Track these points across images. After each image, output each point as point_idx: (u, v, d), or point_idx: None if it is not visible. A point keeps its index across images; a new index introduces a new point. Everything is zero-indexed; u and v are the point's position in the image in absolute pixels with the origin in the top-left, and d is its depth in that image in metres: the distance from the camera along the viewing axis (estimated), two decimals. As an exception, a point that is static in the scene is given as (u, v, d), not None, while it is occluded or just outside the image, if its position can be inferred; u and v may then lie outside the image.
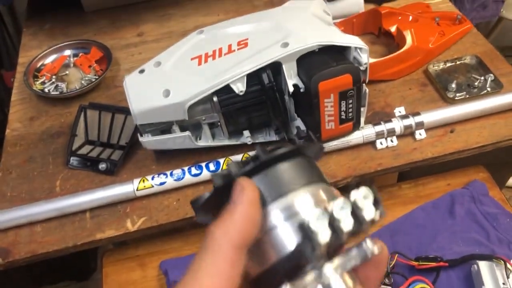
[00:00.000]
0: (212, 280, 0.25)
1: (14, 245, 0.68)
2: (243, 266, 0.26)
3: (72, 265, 1.43)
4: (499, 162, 0.89)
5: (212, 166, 0.71)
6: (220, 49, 0.69)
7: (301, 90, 0.65)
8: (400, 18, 0.87)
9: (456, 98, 0.78)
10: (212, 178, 0.29)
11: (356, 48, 0.66)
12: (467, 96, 0.78)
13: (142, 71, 0.70)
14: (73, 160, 0.76)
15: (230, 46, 0.69)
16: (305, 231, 0.26)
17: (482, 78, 0.80)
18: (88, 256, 1.48)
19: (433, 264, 0.70)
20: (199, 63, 0.68)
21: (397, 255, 0.70)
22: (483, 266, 0.67)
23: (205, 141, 0.73)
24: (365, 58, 0.67)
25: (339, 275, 0.27)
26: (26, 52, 0.99)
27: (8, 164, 0.79)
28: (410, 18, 0.87)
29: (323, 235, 0.26)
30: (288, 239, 0.27)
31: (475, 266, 0.68)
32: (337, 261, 0.27)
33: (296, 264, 0.26)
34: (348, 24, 0.90)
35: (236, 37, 0.70)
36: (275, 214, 0.28)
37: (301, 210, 0.28)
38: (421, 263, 0.70)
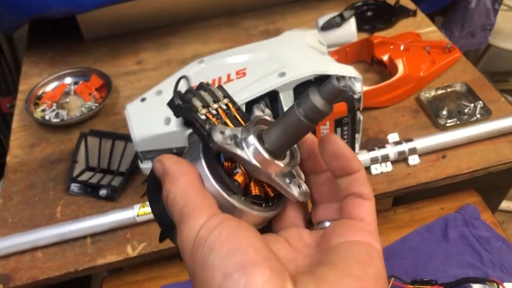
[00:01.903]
0: (193, 204, 0.29)
1: (15, 271, 0.69)
2: (207, 194, 0.31)
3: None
4: (490, 186, 0.91)
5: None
6: (220, 78, 0.71)
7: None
8: (392, 47, 0.91)
9: (447, 125, 0.81)
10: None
11: (350, 77, 0.69)
12: (458, 122, 0.81)
13: (143, 100, 0.72)
14: (74, 186, 0.77)
15: (229, 75, 0.71)
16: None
17: (472, 105, 0.83)
18: (80, 286, 1.48)
19: (428, 287, 0.71)
20: (199, 92, 0.70)
21: (393, 279, 0.71)
22: (477, 289, 0.69)
23: (204, 167, 0.74)
24: (359, 87, 0.69)
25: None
26: (27, 79, 1.01)
27: (9, 190, 0.80)
28: (402, 47, 0.90)
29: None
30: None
31: (470, 289, 0.69)
32: None
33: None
34: (342, 53, 0.94)
35: (235, 66, 0.73)
36: None
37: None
38: (417, 286, 0.71)
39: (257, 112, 0.34)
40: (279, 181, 0.32)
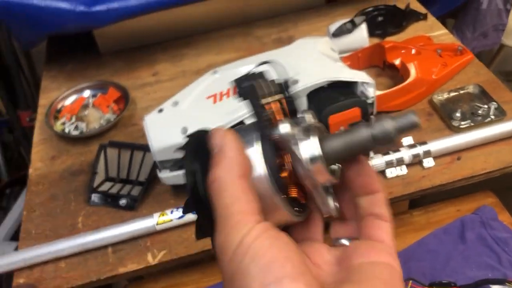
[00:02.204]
0: (239, 206, 0.29)
1: (40, 281, 0.71)
2: (253, 191, 0.30)
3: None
4: (507, 187, 0.91)
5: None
6: (234, 88, 0.72)
7: (312, 124, 0.68)
8: (403, 51, 0.91)
9: (461, 127, 0.81)
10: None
11: (363, 82, 0.70)
12: (472, 124, 0.81)
13: (161, 111, 0.73)
14: (94, 197, 0.79)
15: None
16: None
17: (486, 106, 0.83)
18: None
19: (447, 289, 0.71)
20: (214, 101, 0.72)
21: (411, 281, 0.72)
22: (497, 290, 0.69)
23: (221, 175, 0.76)
24: (371, 92, 0.70)
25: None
26: (46, 94, 1.03)
27: (32, 202, 0.82)
28: (413, 51, 0.91)
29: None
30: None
31: (489, 290, 0.69)
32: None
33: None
34: (353, 58, 0.94)
35: (248, 75, 0.74)
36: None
37: None
38: (435, 288, 0.72)
39: (307, 118, 0.34)
40: (321, 192, 0.33)
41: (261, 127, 0.32)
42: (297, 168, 0.31)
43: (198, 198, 0.32)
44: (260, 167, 0.31)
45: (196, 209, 0.33)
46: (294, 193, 0.33)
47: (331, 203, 0.34)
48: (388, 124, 0.30)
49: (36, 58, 1.73)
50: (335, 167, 0.34)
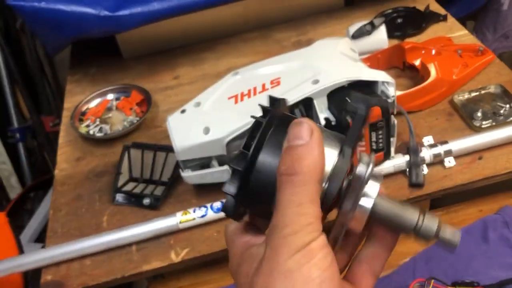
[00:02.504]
0: (311, 208, 0.30)
1: (66, 278, 0.72)
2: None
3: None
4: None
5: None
6: (255, 88, 0.74)
7: (332, 123, 0.69)
8: (423, 52, 0.91)
9: (483, 126, 0.81)
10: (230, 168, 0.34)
11: (383, 82, 0.71)
12: (493, 124, 0.81)
13: (183, 111, 0.75)
14: (119, 197, 0.81)
15: (263, 85, 0.74)
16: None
17: (508, 106, 0.83)
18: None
19: (470, 289, 0.71)
20: (236, 102, 0.73)
21: (433, 280, 0.71)
22: (520, 289, 0.68)
23: (242, 175, 0.77)
24: (392, 91, 0.70)
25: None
26: (71, 97, 1.06)
27: (58, 202, 0.84)
28: (433, 51, 0.91)
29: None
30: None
31: (512, 290, 0.69)
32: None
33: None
34: (373, 59, 0.95)
35: (269, 76, 0.75)
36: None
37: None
38: (457, 288, 0.71)
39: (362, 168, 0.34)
40: (339, 232, 0.35)
41: (346, 149, 0.33)
42: (345, 204, 0.33)
43: (246, 180, 0.33)
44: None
45: (240, 195, 0.33)
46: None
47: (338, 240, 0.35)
48: (434, 229, 0.33)
49: (59, 66, 1.77)
50: None
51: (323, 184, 0.32)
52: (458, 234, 0.33)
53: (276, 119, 0.34)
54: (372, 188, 0.34)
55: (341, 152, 0.33)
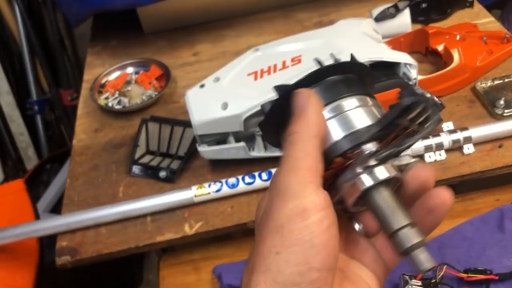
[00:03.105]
0: (305, 161, 0.31)
1: (81, 245, 0.74)
2: (322, 156, 0.33)
3: (118, 277, 1.49)
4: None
5: (264, 176, 0.75)
6: (275, 65, 0.73)
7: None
8: (447, 37, 0.90)
9: (505, 115, 0.80)
10: (273, 89, 0.37)
11: (405, 64, 0.70)
12: (516, 112, 0.80)
13: (202, 86, 0.75)
14: (135, 168, 0.82)
15: (284, 62, 0.73)
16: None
17: (531, 95, 0.81)
18: (135, 268, 1.54)
19: (483, 276, 0.70)
20: (255, 78, 0.73)
21: (445, 266, 0.71)
22: (534, 279, 0.67)
23: (258, 152, 0.77)
24: (414, 74, 0.70)
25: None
26: (90, 69, 1.06)
27: (75, 171, 0.85)
28: (458, 37, 0.89)
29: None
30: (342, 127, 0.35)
31: (526, 279, 0.68)
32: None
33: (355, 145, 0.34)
34: (396, 43, 0.94)
35: (290, 54, 0.74)
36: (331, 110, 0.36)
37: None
38: (470, 275, 0.71)
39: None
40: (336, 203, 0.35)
41: (373, 126, 0.34)
42: (345, 176, 0.34)
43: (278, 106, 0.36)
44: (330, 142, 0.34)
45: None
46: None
47: None
48: (409, 244, 0.32)
49: (79, 40, 1.78)
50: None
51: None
52: (430, 262, 0.32)
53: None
54: (381, 173, 0.34)
55: (370, 126, 0.34)
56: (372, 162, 0.33)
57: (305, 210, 0.30)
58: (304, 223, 0.30)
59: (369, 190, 0.34)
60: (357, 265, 0.36)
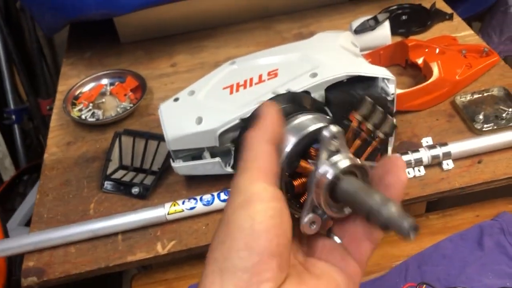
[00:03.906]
0: (255, 161, 0.33)
1: (49, 265, 0.71)
2: (277, 159, 0.35)
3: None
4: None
5: (241, 192, 0.73)
6: (251, 79, 0.71)
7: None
8: (427, 50, 0.89)
9: (484, 129, 0.79)
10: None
11: (383, 78, 0.68)
12: (495, 127, 0.79)
13: (176, 99, 0.73)
14: (107, 184, 0.79)
15: (260, 76, 0.72)
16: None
17: (510, 109, 0.80)
18: (113, 285, 1.50)
19: (462, 295, 0.69)
20: (231, 92, 0.71)
21: (425, 286, 0.69)
22: (514, 299, 0.66)
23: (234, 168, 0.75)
24: (392, 89, 0.68)
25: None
26: (65, 80, 1.04)
27: (45, 187, 0.82)
28: (437, 50, 0.89)
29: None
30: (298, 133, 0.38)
31: (506, 299, 0.67)
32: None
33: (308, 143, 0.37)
34: (375, 55, 0.93)
35: (267, 67, 0.73)
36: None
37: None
38: (449, 294, 0.69)
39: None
40: (307, 207, 0.36)
41: (321, 129, 0.36)
42: (310, 178, 0.36)
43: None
44: (286, 148, 0.36)
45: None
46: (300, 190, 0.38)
47: (306, 220, 0.36)
48: (391, 213, 0.31)
49: (59, 48, 1.75)
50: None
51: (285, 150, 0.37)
52: (413, 227, 0.30)
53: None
54: (343, 163, 0.34)
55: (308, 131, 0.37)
56: (335, 158, 0.35)
57: (249, 201, 0.32)
58: (247, 212, 0.31)
59: (335, 182, 0.34)
60: (324, 264, 0.36)
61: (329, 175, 0.34)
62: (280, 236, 0.31)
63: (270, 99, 0.41)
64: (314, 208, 0.36)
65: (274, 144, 0.35)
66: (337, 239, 0.38)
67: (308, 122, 0.39)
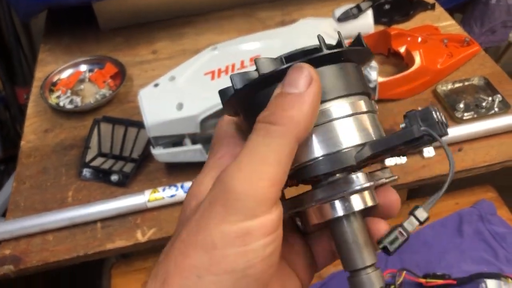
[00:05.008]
0: (272, 169, 0.25)
1: (26, 253, 0.69)
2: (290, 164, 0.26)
3: (76, 282, 1.43)
4: (509, 185, 0.89)
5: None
6: (233, 65, 0.70)
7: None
8: (409, 39, 0.89)
9: (464, 118, 0.79)
10: (256, 62, 0.28)
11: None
12: (475, 116, 0.79)
13: (156, 85, 0.71)
14: (86, 172, 0.77)
15: (242, 62, 0.71)
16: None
17: (490, 98, 0.81)
18: (93, 273, 1.48)
19: (441, 281, 0.70)
20: (212, 78, 0.70)
21: (405, 272, 0.70)
22: (491, 284, 0.67)
23: (215, 155, 0.74)
24: (374, 76, 0.68)
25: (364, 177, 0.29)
26: (43, 67, 1.01)
27: (22, 175, 0.80)
28: (419, 39, 0.89)
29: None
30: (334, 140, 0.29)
31: (483, 284, 0.68)
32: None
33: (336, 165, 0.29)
34: (357, 44, 0.92)
35: (248, 53, 0.72)
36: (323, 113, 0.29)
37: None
38: (428, 280, 0.70)
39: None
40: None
41: (366, 148, 0.29)
42: (315, 194, 0.30)
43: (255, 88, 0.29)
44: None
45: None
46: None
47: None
48: None
49: (36, 35, 1.71)
50: None
51: (308, 152, 0.28)
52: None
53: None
54: (357, 203, 0.30)
55: (360, 146, 0.29)
56: (350, 188, 0.29)
57: (248, 233, 0.24)
58: (243, 249, 0.24)
59: (339, 219, 0.30)
60: (287, 272, 0.32)
61: (339, 211, 0.29)
62: (270, 276, 0.26)
63: (266, 59, 0.29)
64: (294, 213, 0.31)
65: (298, 144, 0.26)
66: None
67: (341, 138, 0.29)
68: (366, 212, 0.31)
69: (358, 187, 0.28)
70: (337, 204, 0.29)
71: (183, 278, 0.25)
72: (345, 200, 0.29)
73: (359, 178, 0.29)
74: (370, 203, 0.30)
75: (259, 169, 0.25)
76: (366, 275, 0.29)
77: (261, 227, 0.25)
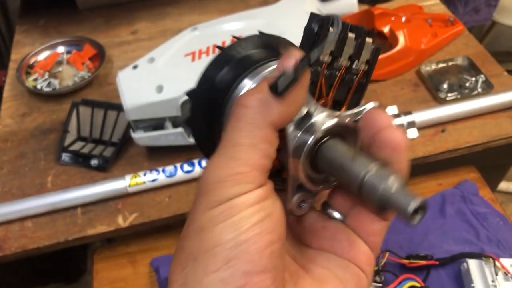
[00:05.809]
0: (246, 151, 0.25)
1: (4, 240, 0.68)
2: (275, 149, 0.26)
3: (61, 267, 1.42)
4: (490, 166, 0.90)
5: (205, 163, 0.71)
6: (214, 46, 0.69)
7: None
8: (393, 19, 0.88)
9: (448, 99, 0.79)
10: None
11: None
12: (458, 96, 0.79)
13: (135, 67, 0.70)
14: (65, 156, 0.76)
15: (224, 43, 0.69)
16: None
17: (473, 79, 0.81)
18: (77, 258, 1.47)
19: (424, 262, 0.70)
20: (193, 60, 0.69)
21: (388, 253, 0.70)
22: (473, 264, 0.68)
23: (197, 138, 0.73)
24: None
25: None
26: (19, 49, 0.98)
27: (-1, 160, 0.78)
28: (403, 19, 0.88)
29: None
30: None
31: (465, 264, 0.68)
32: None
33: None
34: (341, 24, 0.91)
35: (230, 34, 0.70)
36: None
37: None
38: (411, 261, 0.70)
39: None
40: (291, 185, 0.29)
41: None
42: (284, 152, 0.28)
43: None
44: None
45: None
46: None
47: (294, 201, 0.29)
48: (380, 186, 0.24)
49: (13, 15, 1.66)
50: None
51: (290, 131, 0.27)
52: (417, 198, 0.24)
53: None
54: (320, 125, 0.26)
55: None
56: (313, 116, 0.27)
57: (231, 207, 0.24)
58: (229, 221, 0.24)
59: (314, 148, 0.27)
60: (326, 260, 0.28)
61: (308, 140, 0.26)
62: (273, 242, 0.24)
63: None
64: (300, 185, 0.28)
65: (279, 127, 0.26)
66: (337, 215, 0.29)
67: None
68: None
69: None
70: (302, 136, 0.27)
71: (182, 269, 0.25)
72: (307, 128, 0.27)
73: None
74: (334, 121, 0.27)
75: (232, 154, 0.25)
76: (371, 177, 0.25)
77: (245, 199, 0.24)
